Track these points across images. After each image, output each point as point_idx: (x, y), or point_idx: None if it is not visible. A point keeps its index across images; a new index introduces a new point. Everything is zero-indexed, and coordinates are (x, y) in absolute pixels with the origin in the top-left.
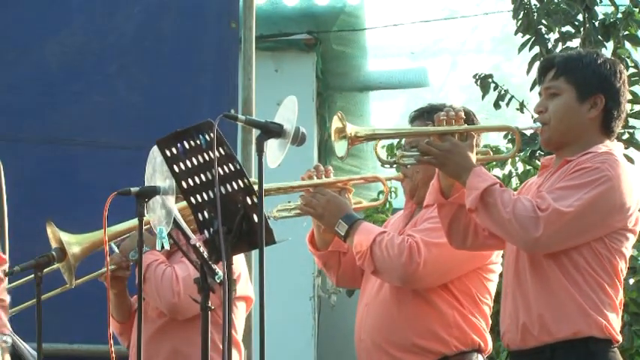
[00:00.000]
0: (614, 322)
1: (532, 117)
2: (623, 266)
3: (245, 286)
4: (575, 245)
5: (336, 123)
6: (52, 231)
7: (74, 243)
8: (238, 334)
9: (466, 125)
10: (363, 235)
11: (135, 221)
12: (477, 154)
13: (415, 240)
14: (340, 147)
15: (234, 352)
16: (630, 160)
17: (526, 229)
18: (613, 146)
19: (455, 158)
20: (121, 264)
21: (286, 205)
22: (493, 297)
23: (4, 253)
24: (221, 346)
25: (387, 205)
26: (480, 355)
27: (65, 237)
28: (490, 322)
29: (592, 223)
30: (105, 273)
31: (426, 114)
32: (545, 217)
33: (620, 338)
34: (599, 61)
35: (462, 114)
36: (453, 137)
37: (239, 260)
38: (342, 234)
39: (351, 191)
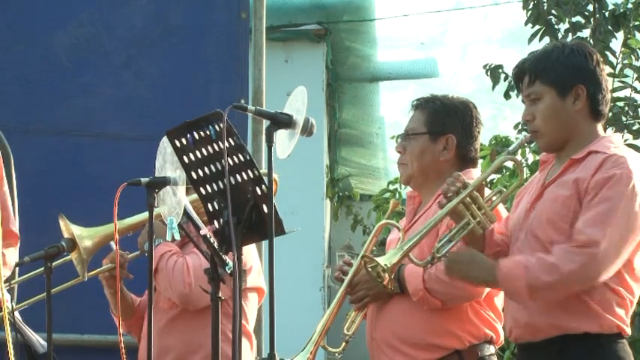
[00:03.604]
0: (624, 317)
1: None
2: (637, 262)
3: (257, 278)
4: None
5: (368, 266)
6: (64, 224)
7: (86, 236)
8: (250, 324)
9: (470, 185)
10: (412, 281)
11: (147, 213)
12: (491, 195)
13: None
14: (387, 281)
15: (245, 343)
16: (639, 150)
17: (582, 273)
18: (616, 140)
19: (472, 268)
20: (121, 262)
21: (349, 319)
22: None
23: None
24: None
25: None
26: (491, 346)
27: (77, 230)
28: (503, 314)
29: (633, 236)
30: (113, 269)
31: (424, 103)
32: (602, 258)
33: (629, 331)
34: (566, 52)
35: (462, 178)
36: (464, 252)
37: (251, 251)
38: (399, 289)
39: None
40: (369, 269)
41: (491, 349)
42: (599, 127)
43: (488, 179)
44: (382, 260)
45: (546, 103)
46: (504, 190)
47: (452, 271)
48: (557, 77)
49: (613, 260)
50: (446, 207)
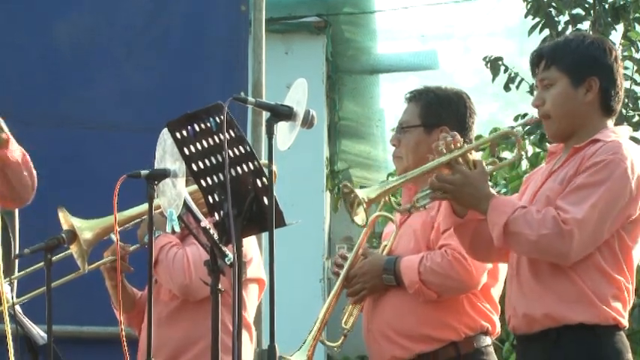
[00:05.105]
0: (621, 310)
1: None
2: (635, 252)
3: (257, 269)
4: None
5: (345, 196)
6: (63, 216)
7: (86, 228)
8: (250, 316)
9: (466, 146)
10: (408, 273)
11: (147, 205)
12: (486, 164)
13: (453, 248)
14: (360, 217)
15: (245, 334)
16: (639, 142)
17: (555, 247)
18: (620, 131)
19: (468, 190)
20: (120, 255)
21: (346, 312)
22: (503, 282)
23: (13, 237)
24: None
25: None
26: (487, 337)
27: (77, 222)
28: (499, 306)
29: (613, 220)
30: (114, 261)
31: (418, 95)
32: (570, 230)
33: (626, 323)
34: (586, 43)
35: (459, 137)
36: (462, 168)
37: (251, 243)
38: (395, 282)
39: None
40: (346, 192)
41: (487, 340)
42: (610, 122)
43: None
44: (361, 193)
45: (558, 90)
46: (497, 161)
47: (441, 189)
48: (573, 65)
49: (588, 240)
50: (437, 160)
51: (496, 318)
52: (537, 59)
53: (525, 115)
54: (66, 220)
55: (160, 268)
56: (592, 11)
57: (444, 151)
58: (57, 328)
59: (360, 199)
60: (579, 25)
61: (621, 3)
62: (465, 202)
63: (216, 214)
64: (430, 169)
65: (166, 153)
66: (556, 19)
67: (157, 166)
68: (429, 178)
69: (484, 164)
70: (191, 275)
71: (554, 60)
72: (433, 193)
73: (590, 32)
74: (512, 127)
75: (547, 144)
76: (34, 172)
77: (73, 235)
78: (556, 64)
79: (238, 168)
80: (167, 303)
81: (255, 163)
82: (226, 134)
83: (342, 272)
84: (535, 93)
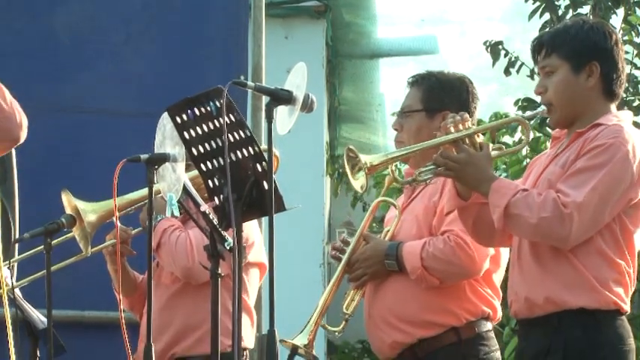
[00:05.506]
0: (623, 295)
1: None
2: (637, 237)
3: (259, 253)
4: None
5: (348, 159)
6: (67, 199)
7: (90, 211)
8: (251, 300)
9: (474, 127)
10: (410, 259)
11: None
12: (491, 150)
13: (456, 234)
14: (359, 182)
15: (246, 318)
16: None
17: (554, 231)
18: (622, 115)
19: (471, 170)
20: (122, 238)
21: (348, 297)
22: (504, 268)
23: (13, 221)
24: None
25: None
26: (488, 323)
27: (81, 205)
28: (500, 292)
29: (613, 204)
30: (115, 244)
31: (420, 79)
32: (570, 214)
33: (628, 309)
34: (585, 28)
35: (467, 116)
36: (468, 147)
37: (252, 227)
38: (397, 267)
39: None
40: (350, 156)
41: (488, 326)
42: (613, 107)
43: None
44: (364, 157)
45: (559, 77)
46: (503, 147)
47: (444, 165)
48: (573, 52)
49: (588, 224)
50: (443, 137)
51: (497, 303)
52: (538, 47)
53: (526, 99)
54: (70, 202)
55: (163, 250)
56: None
57: (452, 130)
58: (57, 312)
59: (362, 164)
60: (580, 9)
61: None
62: (467, 181)
63: (216, 199)
64: (435, 145)
65: (166, 138)
66: (556, 2)
67: (156, 150)
68: (433, 155)
69: (490, 148)
70: (194, 258)
71: (554, 47)
72: (436, 169)
73: (591, 16)
74: (523, 116)
75: (547, 128)
76: (19, 107)
77: (73, 219)
78: (556, 52)
79: (238, 152)
80: (168, 286)
81: (255, 147)
82: (226, 118)
83: (345, 257)
84: (538, 80)
